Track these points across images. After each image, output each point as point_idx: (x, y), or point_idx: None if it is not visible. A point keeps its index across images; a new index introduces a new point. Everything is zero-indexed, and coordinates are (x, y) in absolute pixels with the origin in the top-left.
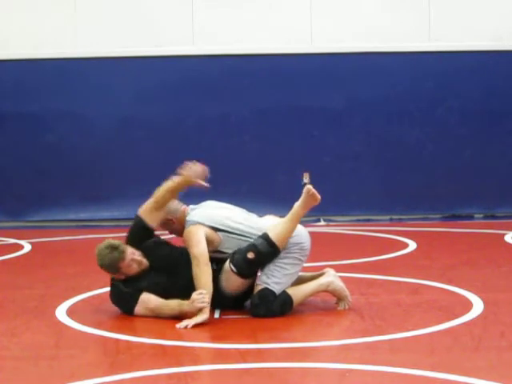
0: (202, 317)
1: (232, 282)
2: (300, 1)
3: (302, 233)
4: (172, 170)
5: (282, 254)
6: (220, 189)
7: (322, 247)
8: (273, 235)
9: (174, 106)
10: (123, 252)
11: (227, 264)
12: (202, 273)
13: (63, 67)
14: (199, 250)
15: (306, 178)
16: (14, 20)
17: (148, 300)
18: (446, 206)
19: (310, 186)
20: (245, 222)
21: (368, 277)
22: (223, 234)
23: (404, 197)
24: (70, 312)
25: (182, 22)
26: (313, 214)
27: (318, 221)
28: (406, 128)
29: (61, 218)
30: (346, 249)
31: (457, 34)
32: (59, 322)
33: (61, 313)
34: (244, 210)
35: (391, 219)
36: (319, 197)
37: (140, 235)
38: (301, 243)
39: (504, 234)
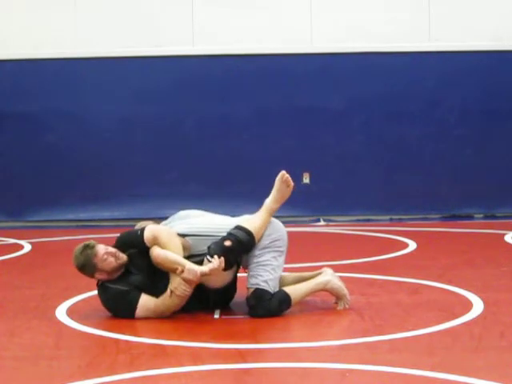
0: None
1: (209, 277)
2: (300, 1)
3: (275, 225)
4: (171, 170)
5: (261, 252)
6: (220, 189)
7: (322, 247)
8: (248, 225)
9: (174, 105)
10: (94, 247)
11: (205, 260)
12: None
13: (63, 67)
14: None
15: (306, 178)
16: (14, 20)
17: (149, 302)
18: (445, 206)
19: (283, 171)
20: (213, 222)
21: (368, 277)
22: (192, 238)
23: (404, 197)
24: (70, 312)
25: (182, 22)
26: (313, 214)
27: (318, 221)
28: (406, 128)
29: (61, 218)
30: (346, 249)
31: (457, 34)
32: (59, 321)
33: (61, 313)
34: (216, 215)
35: (391, 219)
36: (292, 183)
37: (133, 246)
38: (276, 234)
39: (504, 234)
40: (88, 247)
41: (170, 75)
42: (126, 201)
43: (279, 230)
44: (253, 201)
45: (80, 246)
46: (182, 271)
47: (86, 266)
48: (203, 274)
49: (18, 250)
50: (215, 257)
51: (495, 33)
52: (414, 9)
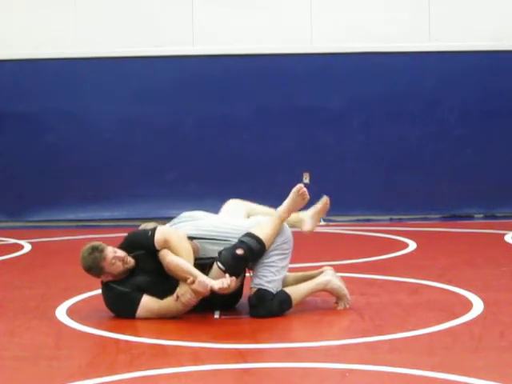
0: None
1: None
2: (300, 1)
3: (282, 228)
4: (171, 170)
5: (266, 254)
6: (220, 189)
7: (322, 247)
8: (259, 234)
9: (174, 106)
10: (103, 251)
11: (214, 264)
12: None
13: (63, 67)
14: (178, 234)
15: (306, 178)
16: (14, 20)
17: (151, 303)
18: (446, 206)
19: (301, 185)
20: (220, 225)
21: (368, 277)
22: (199, 241)
23: (404, 197)
24: (70, 312)
25: (182, 22)
26: None
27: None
28: (406, 128)
29: (61, 218)
30: (346, 249)
31: (457, 34)
32: (59, 321)
33: (61, 313)
34: (219, 216)
35: (391, 219)
36: (308, 197)
37: (142, 248)
38: (283, 237)
39: (504, 234)
40: (97, 250)
41: (170, 75)
42: (126, 201)
43: (286, 233)
44: (253, 201)
45: (88, 246)
46: (193, 282)
47: (94, 268)
48: (212, 290)
49: (18, 250)
50: (227, 275)
51: (495, 33)
52: (414, 9)
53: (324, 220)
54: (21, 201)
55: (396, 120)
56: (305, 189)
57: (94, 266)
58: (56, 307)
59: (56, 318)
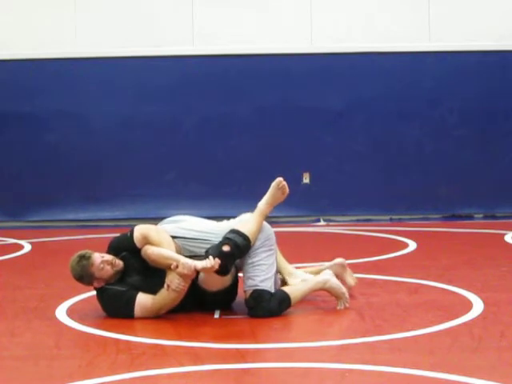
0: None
1: (208, 280)
2: (300, 1)
3: (264, 225)
4: (171, 170)
5: (254, 252)
6: (220, 189)
7: (322, 247)
8: (244, 229)
9: (174, 106)
10: (90, 257)
11: None
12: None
13: (63, 67)
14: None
15: (306, 178)
16: (14, 20)
17: (145, 299)
18: (446, 206)
19: (280, 178)
20: (202, 226)
21: (368, 277)
22: (180, 240)
23: (404, 197)
24: (70, 312)
25: (182, 22)
26: (313, 214)
27: (318, 221)
28: (405, 128)
29: (61, 218)
30: (346, 249)
31: (457, 34)
32: (59, 321)
33: (61, 313)
34: (204, 219)
35: (391, 219)
36: (288, 190)
37: (125, 250)
38: (266, 234)
39: (504, 234)
40: (84, 258)
41: (170, 75)
42: (126, 201)
43: (268, 230)
44: (253, 201)
45: (75, 256)
46: (177, 266)
47: (84, 276)
48: (197, 269)
49: (18, 250)
50: (210, 257)
51: (495, 33)
52: (414, 9)
53: (324, 220)
54: (21, 201)
55: (396, 120)
56: (284, 182)
57: (83, 273)
58: (56, 307)
59: (56, 318)
